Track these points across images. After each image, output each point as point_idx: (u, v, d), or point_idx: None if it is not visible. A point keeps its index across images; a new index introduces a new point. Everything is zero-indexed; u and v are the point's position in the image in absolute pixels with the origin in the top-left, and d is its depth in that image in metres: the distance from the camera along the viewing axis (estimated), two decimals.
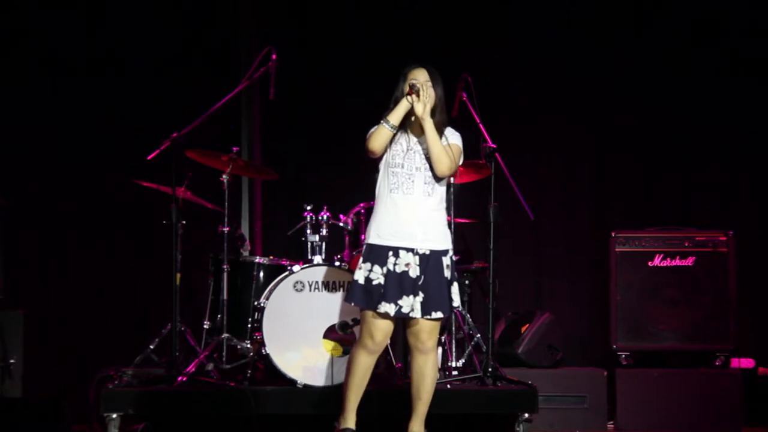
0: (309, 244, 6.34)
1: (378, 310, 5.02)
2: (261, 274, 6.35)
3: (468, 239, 7.26)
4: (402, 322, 5.20)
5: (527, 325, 6.87)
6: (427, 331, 5.10)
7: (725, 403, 6.65)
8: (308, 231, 6.36)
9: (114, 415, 5.67)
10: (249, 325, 6.19)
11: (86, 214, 7.36)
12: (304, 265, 6.08)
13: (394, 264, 5.05)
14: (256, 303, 6.17)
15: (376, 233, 5.11)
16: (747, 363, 6.95)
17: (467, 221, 6.74)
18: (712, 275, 6.90)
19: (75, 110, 7.38)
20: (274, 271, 6.27)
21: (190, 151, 6.25)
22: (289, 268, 6.16)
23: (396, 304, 5.02)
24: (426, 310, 5.04)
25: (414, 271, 5.05)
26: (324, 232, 6.29)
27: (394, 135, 5.13)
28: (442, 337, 6.50)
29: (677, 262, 6.92)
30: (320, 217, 6.35)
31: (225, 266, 6.32)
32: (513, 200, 6.38)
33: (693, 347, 6.91)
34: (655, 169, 7.59)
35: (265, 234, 7.58)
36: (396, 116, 5.08)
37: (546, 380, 6.48)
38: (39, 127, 7.35)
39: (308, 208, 6.41)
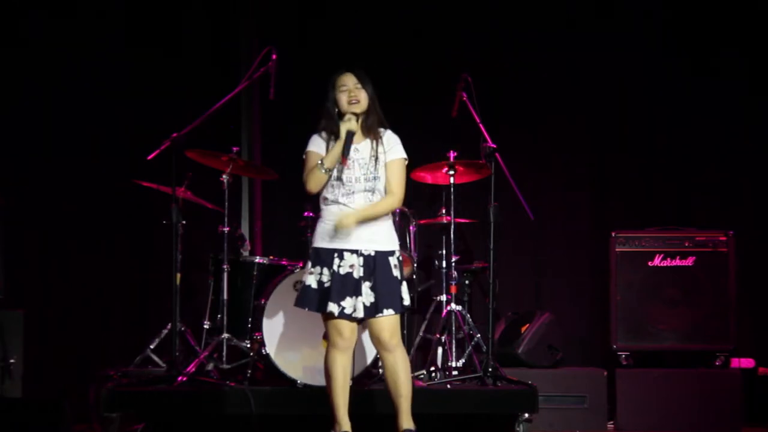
0: (309, 244, 6.33)
1: (326, 311, 5.07)
2: (261, 274, 6.35)
3: (468, 239, 7.26)
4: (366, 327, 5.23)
5: (527, 325, 6.88)
6: (388, 331, 5.12)
7: (725, 403, 6.64)
8: (308, 231, 6.36)
9: (114, 415, 5.68)
10: (249, 325, 6.19)
11: (86, 214, 7.36)
12: (304, 265, 6.08)
13: (338, 266, 5.09)
14: (256, 303, 6.17)
15: (321, 237, 5.15)
16: (747, 363, 6.95)
17: (467, 221, 6.74)
18: (712, 275, 6.90)
19: (75, 110, 7.37)
20: (274, 271, 6.27)
21: (190, 151, 6.26)
22: (289, 268, 6.16)
23: (339, 305, 5.06)
24: (377, 308, 5.07)
25: (357, 272, 5.09)
26: None
27: (331, 147, 5.12)
28: (443, 337, 6.51)
29: (677, 262, 6.92)
30: None
31: (225, 266, 6.32)
32: (513, 200, 6.38)
33: (693, 347, 6.91)
34: (655, 169, 7.59)
35: (265, 234, 7.58)
36: (330, 160, 5.09)
37: (546, 380, 6.48)
38: (39, 128, 7.35)
39: (308, 208, 6.41)
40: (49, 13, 7.38)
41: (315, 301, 5.12)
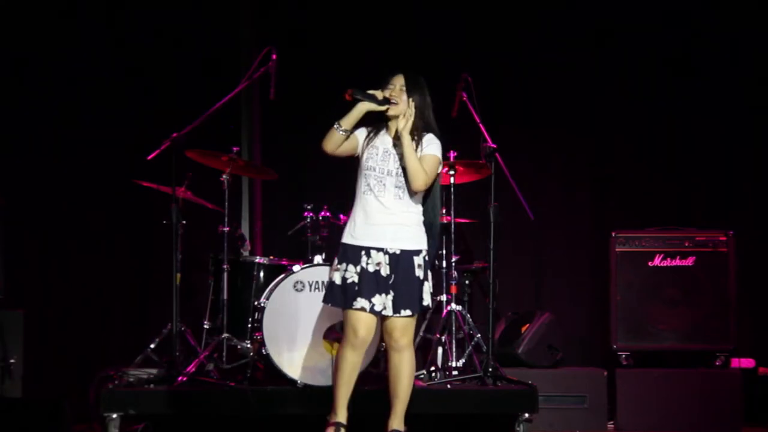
0: (309, 244, 6.34)
1: (354, 307, 5.09)
2: (261, 274, 6.35)
3: (468, 239, 7.26)
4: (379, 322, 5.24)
5: (527, 325, 6.87)
6: (399, 329, 5.14)
7: (725, 403, 6.65)
8: (308, 231, 6.36)
9: (114, 415, 5.67)
10: (249, 325, 6.19)
11: (86, 214, 7.36)
12: (304, 265, 6.08)
13: (367, 263, 5.11)
14: (256, 303, 6.17)
15: (350, 233, 5.18)
16: (747, 363, 6.95)
17: (467, 221, 6.74)
18: (712, 275, 6.90)
19: (75, 110, 7.37)
20: (274, 271, 6.27)
21: (190, 151, 6.25)
22: (289, 268, 6.16)
23: (369, 302, 5.09)
24: (395, 308, 5.10)
25: (385, 270, 5.11)
26: (324, 232, 6.29)
27: (373, 135, 5.19)
28: (443, 337, 6.51)
29: (677, 262, 6.92)
30: (320, 217, 6.35)
31: (225, 266, 6.32)
32: (513, 200, 6.39)
33: (693, 347, 6.91)
34: (655, 169, 7.59)
35: (265, 234, 7.58)
36: (348, 121, 5.14)
37: (546, 380, 6.48)
38: (39, 127, 7.35)
39: (308, 207, 6.42)
40: (51, 11, 7.39)
41: (339, 296, 5.14)
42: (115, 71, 7.43)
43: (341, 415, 5.18)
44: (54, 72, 7.37)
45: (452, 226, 6.50)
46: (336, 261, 5.19)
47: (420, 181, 5.12)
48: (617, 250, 6.96)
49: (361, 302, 5.08)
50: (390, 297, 5.09)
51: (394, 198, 5.15)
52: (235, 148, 6.44)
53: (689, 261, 6.92)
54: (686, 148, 7.58)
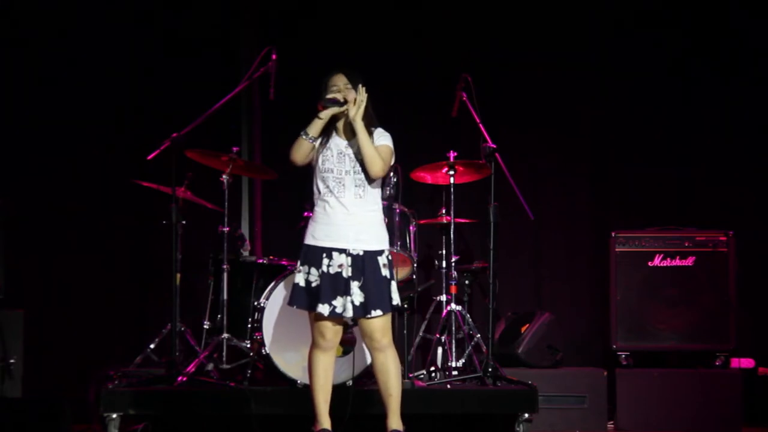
0: None
1: (317, 311, 5.10)
2: (261, 274, 6.35)
3: (468, 239, 7.26)
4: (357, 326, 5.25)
5: (527, 325, 6.87)
6: (380, 330, 5.15)
7: (725, 403, 6.65)
8: None
9: (114, 415, 5.68)
10: (249, 325, 6.19)
11: (86, 214, 7.36)
12: None
13: (328, 266, 5.13)
14: (256, 303, 6.17)
15: (311, 234, 5.19)
16: (747, 363, 6.95)
17: (467, 221, 6.74)
18: (712, 275, 6.90)
19: (75, 110, 7.38)
20: (274, 272, 6.27)
21: (190, 151, 6.26)
22: (289, 268, 6.16)
23: (330, 305, 5.10)
24: (366, 309, 5.10)
25: (346, 272, 5.12)
26: None
27: (325, 140, 5.21)
28: (443, 337, 6.51)
29: (677, 262, 6.92)
30: None
31: (225, 266, 6.32)
32: (513, 200, 6.39)
33: (693, 347, 6.91)
34: (655, 169, 7.59)
35: (265, 234, 7.58)
36: (314, 129, 5.18)
37: (546, 380, 6.48)
38: (39, 128, 7.35)
39: (308, 207, 6.41)
40: (51, 11, 7.39)
41: (304, 299, 5.16)
42: (115, 70, 7.43)
43: (325, 422, 5.19)
44: (54, 71, 7.37)
45: (452, 226, 6.50)
46: (298, 263, 5.20)
47: (377, 167, 5.11)
48: (617, 250, 6.96)
49: (320, 307, 5.10)
50: (350, 299, 5.09)
51: (355, 197, 5.16)
52: (235, 148, 6.44)
53: (689, 261, 6.92)
54: (686, 148, 7.58)
